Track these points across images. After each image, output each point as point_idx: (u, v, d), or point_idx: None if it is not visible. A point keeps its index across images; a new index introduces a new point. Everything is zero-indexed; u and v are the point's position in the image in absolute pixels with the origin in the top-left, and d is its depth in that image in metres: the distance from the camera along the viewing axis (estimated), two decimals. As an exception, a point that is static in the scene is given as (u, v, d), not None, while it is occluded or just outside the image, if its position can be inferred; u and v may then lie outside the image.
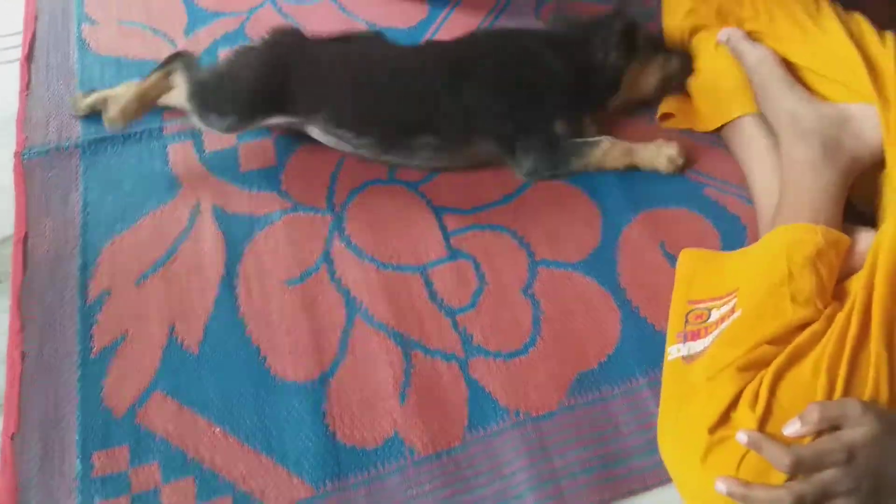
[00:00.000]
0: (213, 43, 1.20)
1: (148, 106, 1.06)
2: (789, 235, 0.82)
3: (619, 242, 0.97)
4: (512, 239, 0.98)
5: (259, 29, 1.10)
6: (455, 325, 0.90)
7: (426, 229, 0.99)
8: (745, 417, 0.69)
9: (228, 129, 1.02)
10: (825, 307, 0.76)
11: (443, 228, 0.99)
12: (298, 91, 0.99)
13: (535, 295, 0.93)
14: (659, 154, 1.01)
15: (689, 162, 1.04)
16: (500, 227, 0.99)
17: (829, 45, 0.97)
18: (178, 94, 1.04)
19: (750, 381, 0.72)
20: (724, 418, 0.71)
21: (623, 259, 0.96)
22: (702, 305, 0.84)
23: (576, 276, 0.94)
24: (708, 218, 0.99)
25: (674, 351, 0.80)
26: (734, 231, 0.98)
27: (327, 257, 0.96)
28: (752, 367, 0.73)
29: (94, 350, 0.89)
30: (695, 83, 1.07)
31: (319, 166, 1.05)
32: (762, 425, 0.69)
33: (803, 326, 0.75)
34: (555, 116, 1.01)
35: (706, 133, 1.07)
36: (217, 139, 1.07)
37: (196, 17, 1.23)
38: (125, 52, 1.19)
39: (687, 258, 0.91)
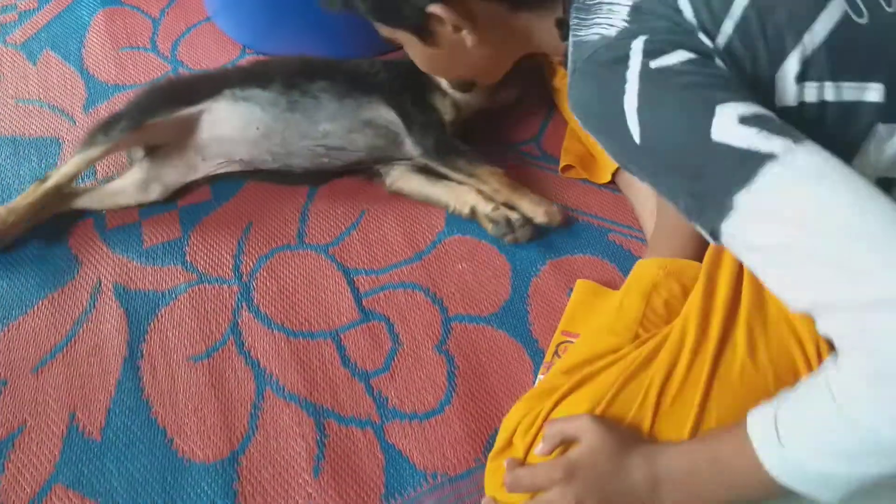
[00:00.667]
0: (114, 117, 1.18)
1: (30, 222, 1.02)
2: (637, 271, 0.85)
3: (530, 293, 0.98)
4: (425, 296, 0.98)
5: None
6: (369, 389, 0.89)
7: (337, 293, 0.98)
8: (518, 443, 0.73)
9: (122, 131, 1.00)
10: (646, 333, 0.77)
11: (354, 291, 0.98)
12: (199, 85, 1.06)
13: (448, 351, 0.92)
14: (540, 203, 1.01)
15: (591, 208, 1.06)
16: (413, 285, 0.99)
17: None
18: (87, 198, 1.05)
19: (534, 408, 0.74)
20: (508, 444, 0.74)
21: (534, 309, 0.97)
22: (570, 339, 0.87)
23: (488, 329, 0.95)
24: (613, 262, 1.02)
25: (536, 380, 0.83)
26: (640, 274, 1.00)
27: (235, 329, 0.94)
28: (543, 395, 0.75)
29: (-10, 445, 0.85)
30: (587, 140, 1.11)
31: (226, 235, 1.04)
32: (530, 450, 0.72)
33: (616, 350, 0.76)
34: (432, 87, 1.08)
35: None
36: (119, 215, 1.05)
37: (96, 92, 1.22)
38: (22, 132, 1.16)
39: (580, 289, 0.95)
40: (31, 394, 0.88)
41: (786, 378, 0.68)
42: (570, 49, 0.64)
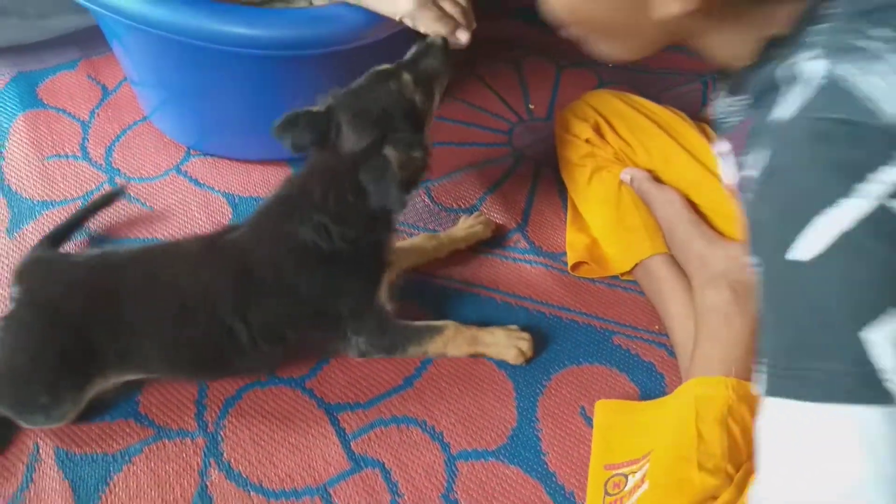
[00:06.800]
0: (44, 240, 1.03)
1: None
2: (699, 390, 0.76)
3: (539, 416, 0.88)
4: (422, 431, 0.86)
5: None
6: (370, 557, 0.76)
7: (321, 437, 0.85)
8: None
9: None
10: (738, 470, 0.68)
11: (340, 433, 0.86)
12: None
13: (458, 500, 0.80)
14: (508, 345, 0.91)
15: (590, 308, 0.98)
16: (407, 419, 0.87)
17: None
18: None
19: None
20: None
21: (546, 436, 0.86)
22: (619, 471, 0.77)
23: (499, 466, 0.84)
24: (623, 371, 0.93)
25: None
26: (652, 382, 0.92)
27: (204, 494, 0.80)
28: None
29: None
30: (599, 227, 1.02)
31: (185, 376, 0.90)
32: None
33: (714, 496, 0.67)
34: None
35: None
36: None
37: (21, 212, 1.07)
38: (-68, 265, 1.00)
39: (602, 411, 0.85)
40: None
41: None
42: (818, 84, 0.47)
